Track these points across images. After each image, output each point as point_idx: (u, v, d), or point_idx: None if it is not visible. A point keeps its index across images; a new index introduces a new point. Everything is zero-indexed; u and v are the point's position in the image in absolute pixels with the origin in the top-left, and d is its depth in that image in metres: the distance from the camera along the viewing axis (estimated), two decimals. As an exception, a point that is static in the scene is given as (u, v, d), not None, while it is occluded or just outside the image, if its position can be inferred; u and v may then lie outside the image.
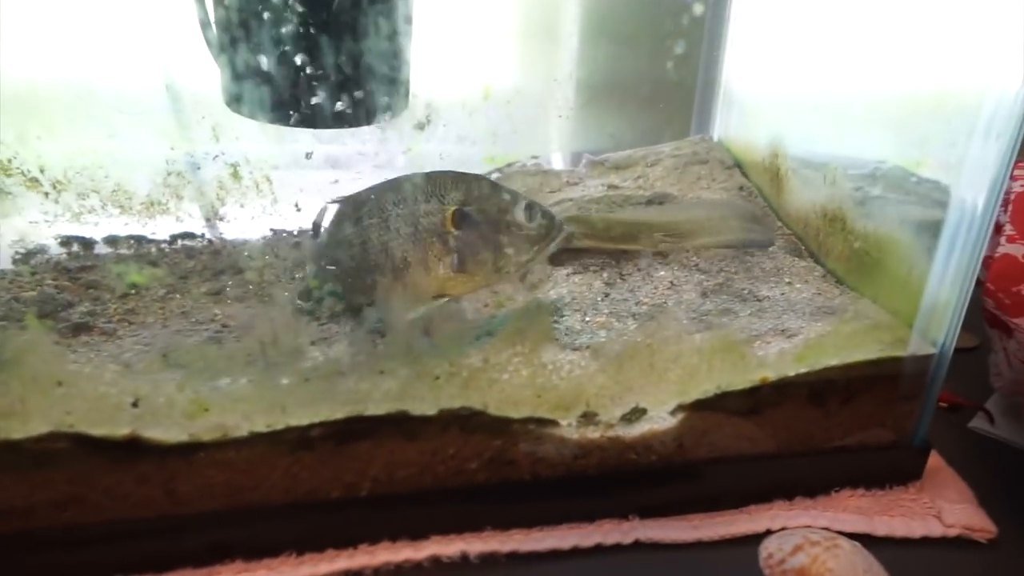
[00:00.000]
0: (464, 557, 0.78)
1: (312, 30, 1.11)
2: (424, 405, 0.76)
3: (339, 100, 1.15)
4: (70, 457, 0.70)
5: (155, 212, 1.34)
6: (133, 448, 0.71)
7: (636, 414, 0.81)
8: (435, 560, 0.78)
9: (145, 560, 0.74)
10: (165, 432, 0.72)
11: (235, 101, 1.21)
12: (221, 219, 1.31)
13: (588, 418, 0.80)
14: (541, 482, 0.83)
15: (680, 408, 0.81)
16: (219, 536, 0.76)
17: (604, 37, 1.38)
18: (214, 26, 1.09)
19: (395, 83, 1.20)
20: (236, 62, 1.16)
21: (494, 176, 1.40)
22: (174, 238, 1.35)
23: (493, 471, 0.81)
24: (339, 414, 0.75)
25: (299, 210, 1.19)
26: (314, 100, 1.14)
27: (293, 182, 1.41)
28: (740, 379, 0.80)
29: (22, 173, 1.26)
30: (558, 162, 1.44)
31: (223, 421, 0.73)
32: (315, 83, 1.14)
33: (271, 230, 1.23)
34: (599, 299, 1.02)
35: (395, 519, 0.80)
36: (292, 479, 0.77)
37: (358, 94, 1.16)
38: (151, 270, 1.08)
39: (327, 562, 0.76)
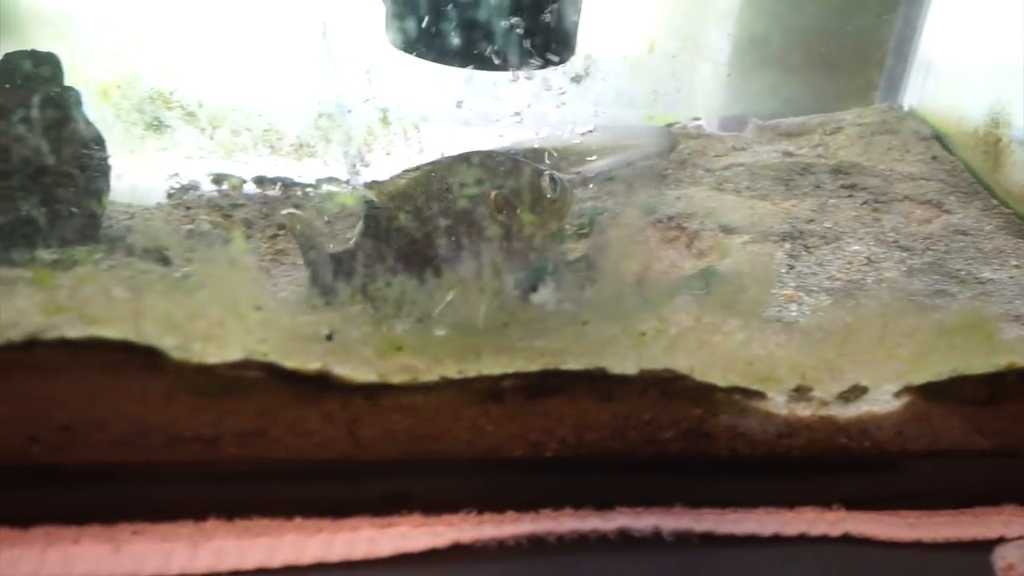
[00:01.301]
0: (656, 533, 0.71)
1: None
2: (625, 363, 0.70)
3: (510, 41, 1.10)
4: (260, 387, 0.67)
5: (303, 155, 1.32)
6: (322, 384, 0.68)
7: (855, 393, 0.72)
8: (624, 533, 0.72)
9: (323, 503, 0.71)
10: (354, 370, 0.68)
11: (402, 40, 1.17)
12: (366, 165, 1.28)
13: (801, 393, 0.72)
14: (739, 460, 0.75)
15: (906, 390, 0.72)
16: (398, 486, 0.72)
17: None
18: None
19: (566, 28, 1.14)
20: (406, 3, 1.12)
21: (652, 138, 1.32)
22: (319, 182, 1.33)
23: (688, 443, 0.74)
24: (534, 366, 0.70)
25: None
26: (483, 40, 1.09)
27: (441, 133, 1.37)
28: (982, 362, 0.71)
29: (181, 107, 1.26)
30: (715, 126, 1.36)
31: (414, 363, 0.69)
32: (486, 22, 1.09)
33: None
34: (782, 271, 0.93)
35: (579, 485, 0.74)
36: (476, 432, 0.72)
37: (530, 36, 1.11)
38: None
39: (510, 524, 0.71)
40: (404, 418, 0.70)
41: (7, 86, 0.86)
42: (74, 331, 0.62)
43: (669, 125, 1.28)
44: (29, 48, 1.07)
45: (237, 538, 0.68)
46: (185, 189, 1.23)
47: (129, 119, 1.30)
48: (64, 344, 0.62)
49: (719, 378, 0.70)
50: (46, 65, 0.91)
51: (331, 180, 1.33)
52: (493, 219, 0.82)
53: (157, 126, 1.30)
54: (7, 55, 0.89)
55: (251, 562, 0.66)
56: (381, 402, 0.69)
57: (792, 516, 0.74)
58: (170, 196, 1.21)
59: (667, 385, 0.71)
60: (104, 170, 0.99)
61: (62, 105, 0.91)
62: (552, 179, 0.84)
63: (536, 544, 0.71)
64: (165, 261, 0.81)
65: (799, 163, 1.09)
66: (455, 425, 0.71)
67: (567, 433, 0.73)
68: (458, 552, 0.69)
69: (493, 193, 0.82)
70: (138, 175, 1.26)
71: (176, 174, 1.28)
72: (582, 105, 1.32)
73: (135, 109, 1.30)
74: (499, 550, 0.70)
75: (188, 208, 1.16)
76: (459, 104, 1.44)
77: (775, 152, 1.15)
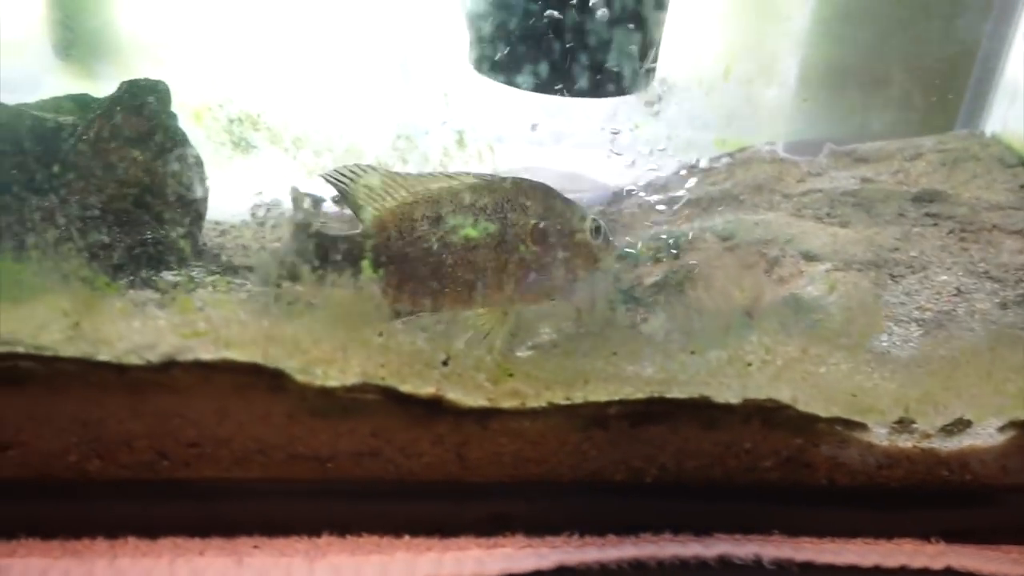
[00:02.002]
0: (757, 561, 0.72)
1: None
2: (729, 393, 0.71)
3: (593, 68, 1.12)
4: (376, 410, 0.70)
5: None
6: (435, 408, 0.70)
7: (959, 426, 0.72)
8: (725, 560, 0.73)
9: (430, 522, 0.73)
10: (466, 395, 0.70)
11: (485, 64, 1.20)
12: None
13: (903, 425, 0.73)
14: (837, 489, 0.76)
15: (1012, 425, 0.73)
16: (502, 507, 0.74)
17: (861, 17, 1.28)
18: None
19: (647, 56, 1.16)
20: (492, 27, 1.16)
21: (724, 161, 1.33)
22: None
23: (787, 472, 0.75)
24: (640, 394, 0.71)
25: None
26: (567, 66, 1.12)
27: (516, 154, 1.39)
28: (1092, 399, 0.71)
29: (268, 129, 1.31)
30: (788, 150, 1.36)
31: (523, 388, 0.71)
32: (569, 51, 1.11)
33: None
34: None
35: (678, 511, 0.76)
36: (580, 456, 0.74)
37: (610, 64, 1.13)
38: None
39: (613, 547, 0.72)
40: (511, 442, 0.72)
41: (129, 113, 0.91)
42: (208, 353, 0.66)
43: (741, 149, 1.29)
44: (131, 75, 1.12)
45: (351, 554, 0.70)
46: (268, 207, 1.27)
47: (218, 140, 1.35)
48: (198, 365, 0.66)
49: (822, 408, 0.71)
50: (158, 92, 0.95)
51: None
52: (527, 248, 0.81)
53: (244, 146, 1.35)
54: (126, 83, 0.93)
55: (365, 578, 0.69)
56: (490, 426, 0.71)
57: (891, 548, 0.74)
58: (254, 215, 1.26)
59: (770, 414, 0.72)
60: (204, 191, 1.03)
61: (172, 130, 0.95)
62: (597, 227, 0.83)
63: (637, 568, 0.72)
64: (237, 274, 0.85)
65: (880, 190, 1.09)
66: (559, 449, 0.73)
67: (668, 460, 0.74)
68: (562, 574, 0.71)
69: (532, 223, 0.81)
70: (224, 193, 1.30)
71: (260, 192, 1.32)
72: (656, 128, 1.34)
73: (224, 130, 1.35)
74: (602, 573, 0.71)
75: (274, 226, 1.20)
76: (533, 127, 1.47)
77: (853, 178, 1.15)
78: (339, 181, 0.76)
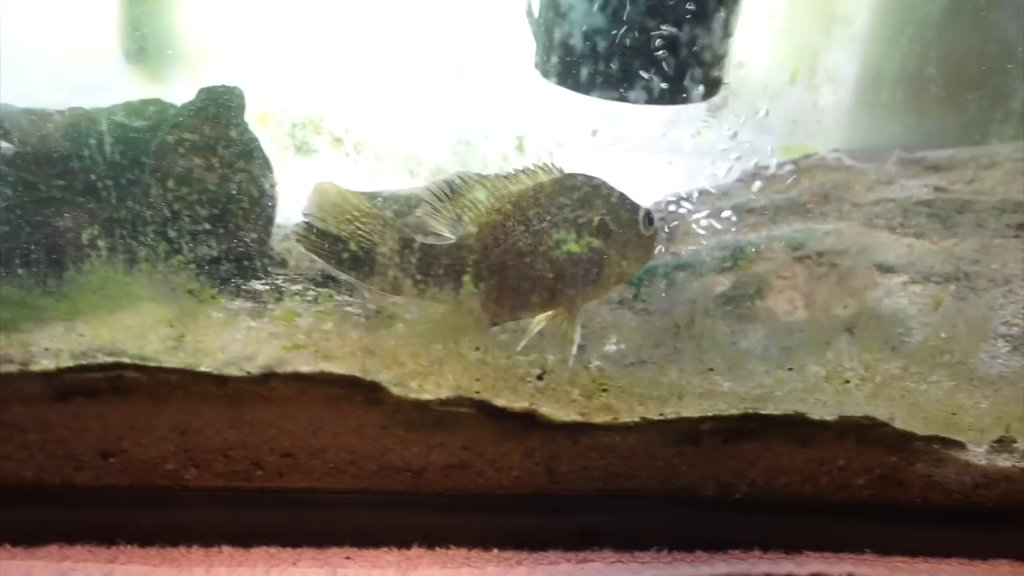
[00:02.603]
0: (851, 580, 0.72)
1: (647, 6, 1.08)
2: (824, 410, 0.70)
3: (661, 75, 1.11)
4: (469, 423, 0.70)
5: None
6: (528, 421, 0.70)
7: (1061, 447, 0.71)
8: (818, 579, 0.72)
9: (519, 535, 0.73)
10: (559, 409, 0.70)
11: (552, 71, 1.20)
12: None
13: (1003, 444, 0.72)
14: (931, 508, 0.75)
15: (1117, 446, 0.71)
16: (590, 522, 0.74)
17: (927, 20, 1.26)
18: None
19: (717, 64, 1.15)
20: (563, 35, 1.15)
21: (788, 168, 1.32)
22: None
23: (880, 490, 0.74)
24: (734, 410, 0.71)
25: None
26: (633, 74, 1.11)
27: (575, 158, 1.38)
28: None
29: (330, 133, 1.32)
30: (855, 157, 1.34)
31: (616, 403, 0.70)
32: (637, 58, 1.10)
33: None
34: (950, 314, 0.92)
35: (767, 527, 0.75)
36: (670, 472, 0.73)
37: (679, 72, 1.12)
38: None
39: (704, 564, 0.72)
40: (601, 456, 0.72)
41: (207, 120, 0.91)
42: (307, 365, 0.66)
43: (806, 156, 1.28)
44: (198, 79, 1.13)
45: (442, 567, 0.70)
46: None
47: (281, 144, 1.36)
48: (296, 377, 0.66)
49: (919, 427, 0.70)
50: (234, 98, 0.96)
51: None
52: (594, 243, 0.80)
53: (306, 150, 1.36)
54: (204, 90, 0.94)
55: (456, 592, 0.69)
56: (581, 440, 0.71)
57: (987, 569, 0.73)
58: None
59: (865, 432, 0.71)
60: (274, 197, 1.03)
61: (248, 136, 0.95)
62: (649, 218, 0.81)
63: (728, 585, 0.71)
64: (353, 289, 0.85)
65: (955, 199, 1.07)
66: (649, 464, 0.72)
67: (759, 476, 0.73)
68: (654, 590, 0.70)
69: (597, 219, 0.81)
70: (286, 197, 1.31)
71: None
72: (719, 133, 1.33)
73: (287, 134, 1.36)
74: (693, 590, 0.71)
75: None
76: (594, 132, 1.46)
77: (925, 187, 1.13)
78: (442, 192, 0.75)
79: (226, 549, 0.70)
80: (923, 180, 1.17)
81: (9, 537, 0.67)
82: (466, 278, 0.65)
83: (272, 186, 1.08)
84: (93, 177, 0.82)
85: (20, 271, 0.61)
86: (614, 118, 1.42)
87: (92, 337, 0.63)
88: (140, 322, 0.64)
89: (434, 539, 0.72)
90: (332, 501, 0.72)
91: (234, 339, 0.65)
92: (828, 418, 0.70)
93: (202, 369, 0.65)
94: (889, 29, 1.38)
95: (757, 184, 1.22)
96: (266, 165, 1.03)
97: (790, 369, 0.68)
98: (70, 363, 0.63)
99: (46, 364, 0.63)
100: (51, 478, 0.67)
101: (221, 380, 0.65)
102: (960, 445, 0.71)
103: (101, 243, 0.62)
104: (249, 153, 0.95)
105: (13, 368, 0.62)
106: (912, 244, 1.01)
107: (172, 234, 0.69)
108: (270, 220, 1.04)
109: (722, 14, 1.11)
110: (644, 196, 1.38)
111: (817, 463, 0.73)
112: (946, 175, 1.17)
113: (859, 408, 0.69)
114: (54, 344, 0.63)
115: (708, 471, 0.73)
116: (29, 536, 0.67)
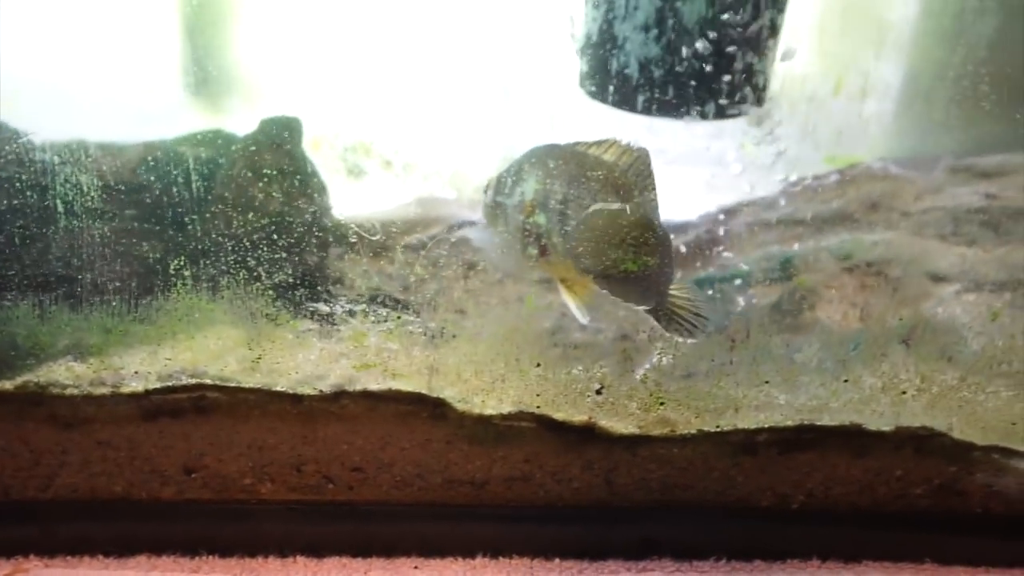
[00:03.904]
0: (912, 589, 0.72)
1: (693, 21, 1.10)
2: (881, 420, 0.71)
3: (706, 91, 1.13)
4: (530, 436, 0.72)
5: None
6: (587, 434, 0.72)
7: (1125, 456, 0.71)
8: (878, 588, 0.73)
9: (579, 546, 0.75)
10: (618, 422, 0.72)
11: (596, 89, 1.22)
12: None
13: (1065, 454, 0.72)
14: (991, 518, 0.75)
15: None
16: (649, 532, 0.75)
17: (972, 26, 1.25)
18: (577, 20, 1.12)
19: (762, 77, 1.16)
20: (606, 53, 1.18)
21: (834, 178, 1.32)
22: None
23: (938, 499, 0.74)
24: (790, 421, 0.72)
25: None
26: (678, 92, 1.13)
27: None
28: None
29: (380, 156, 1.36)
30: (902, 166, 1.34)
31: (673, 416, 0.72)
32: (682, 76, 1.12)
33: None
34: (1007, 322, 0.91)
35: (824, 537, 0.76)
36: (727, 483, 0.75)
37: (724, 87, 1.14)
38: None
39: (764, 573, 0.73)
40: (659, 468, 0.73)
41: (268, 149, 0.96)
42: (375, 383, 0.69)
43: (852, 166, 1.28)
44: (254, 109, 1.19)
45: (508, 575, 0.73)
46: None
47: (333, 167, 1.42)
48: (366, 395, 0.69)
49: (978, 437, 0.70)
50: (292, 128, 1.01)
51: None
52: None
53: (357, 172, 1.41)
54: (265, 121, 0.99)
55: (522, 600, 0.71)
56: (639, 452, 0.73)
57: (1051, 579, 0.73)
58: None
59: (923, 442, 0.71)
60: (332, 220, 1.07)
61: (306, 163, 1.00)
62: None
63: (788, 595, 0.72)
64: (405, 307, 0.88)
65: (1008, 207, 1.07)
66: (707, 475, 0.74)
67: (815, 486, 0.74)
68: (714, 600, 0.72)
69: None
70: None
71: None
72: (763, 145, 1.34)
73: (339, 158, 1.41)
74: (752, 599, 0.72)
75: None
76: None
77: (975, 194, 1.13)
78: None
79: (300, 559, 0.73)
80: (973, 187, 1.17)
81: (102, 548, 0.72)
82: (528, 297, 0.67)
83: (328, 210, 1.12)
84: (172, 207, 0.87)
85: (113, 300, 0.65)
86: (656, 132, 1.44)
87: (176, 360, 0.68)
88: (220, 345, 0.68)
89: (498, 549, 0.75)
90: (400, 513, 0.75)
91: (307, 359, 0.69)
92: (885, 428, 0.71)
93: (277, 388, 0.69)
94: (936, 36, 1.38)
95: (803, 195, 1.22)
96: (323, 190, 1.08)
97: (845, 380, 0.69)
98: (157, 385, 0.68)
99: (135, 386, 0.68)
100: (139, 493, 0.72)
101: (295, 398, 0.69)
102: (1021, 455, 0.72)
103: (187, 272, 0.66)
104: (308, 179, 0.99)
105: (106, 390, 0.67)
106: (964, 253, 1.01)
107: (251, 262, 0.73)
108: (327, 243, 1.09)
109: (767, 27, 1.12)
110: (689, 209, 1.40)
111: (874, 473, 0.73)
112: (997, 182, 1.16)
113: (916, 419, 0.70)
114: (143, 367, 0.67)
115: (765, 482, 0.74)
116: (120, 547, 0.72)
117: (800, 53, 1.33)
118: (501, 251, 0.74)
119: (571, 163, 0.70)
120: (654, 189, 0.73)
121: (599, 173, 0.69)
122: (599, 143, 0.71)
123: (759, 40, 1.09)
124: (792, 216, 1.23)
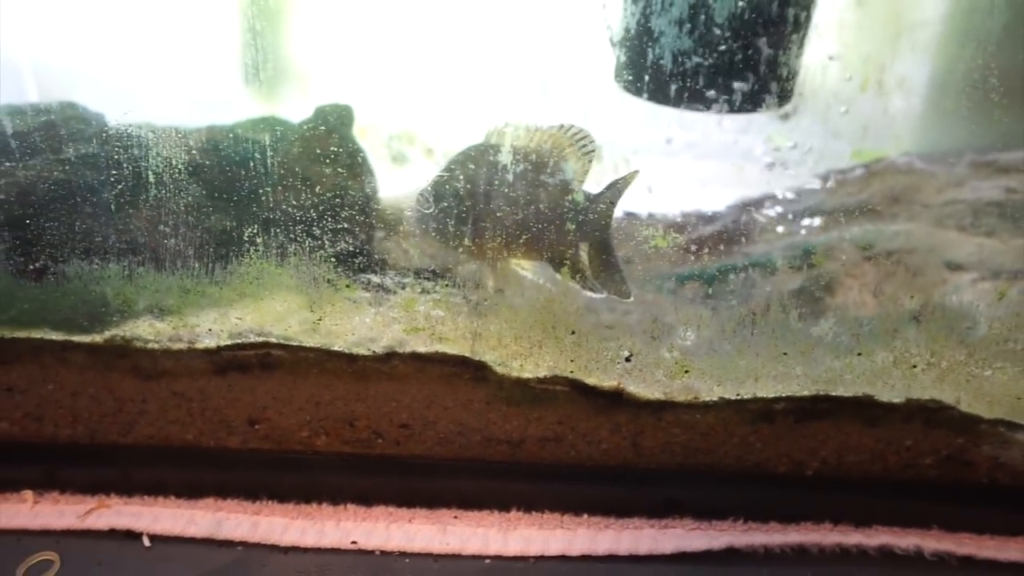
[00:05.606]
0: (918, 552, 0.77)
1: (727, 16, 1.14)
2: (892, 392, 0.76)
3: (736, 84, 1.18)
4: (563, 400, 0.78)
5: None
6: (616, 399, 0.78)
7: (1126, 431, 0.75)
8: (886, 550, 0.77)
9: (606, 503, 0.81)
10: (645, 388, 0.78)
11: (631, 83, 1.28)
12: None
13: (1069, 428, 0.76)
14: (997, 488, 0.79)
15: None
16: (671, 493, 0.81)
17: (998, 24, 1.28)
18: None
19: (790, 72, 1.21)
20: (641, 47, 1.23)
21: (858, 172, 1.36)
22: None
23: (946, 469, 0.79)
24: (806, 391, 0.77)
25: (651, 192, 1.24)
26: (711, 85, 1.18)
27: (649, 165, 1.46)
28: None
29: (423, 144, 1.43)
30: (925, 160, 1.37)
31: (697, 384, 0.78)
32: (716, 69, 1.17)
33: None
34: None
35: (837, 503, 0.81)
36: (745, 448, 0.80)
37: (754, 82, 1.18)
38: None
39: (778, 533, 0.78)
40: (682, 432, 0.79)
41: (322, 135, 1.03)
42: (423, 346, 0.75)
43: (877, 160, 1.32)
44: (306, 98, 1.26)
45: (539, 528, 0.79)
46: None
47: (379, 154, 1.49)
48: (414, 356, 0.76)
49: (985, 410, 0.75)
50: (344, 115, 1.07)
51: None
52: None
53: (401, 160, 1.48)
54: (319, 108, 1.06)
55: (553, 549, 0.77)
56: (664, 417, 0.78)
57: (1053, 547, 0.77)
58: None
59: (932, 414, 0.76)
60: (378, 201, 1.14)
61: (357, 149, 1.07)
62: None
63: (800, 554, 0.77)
64: (441, 278, 0.94)
65: (1026, 200, 1.10)
66: (727, 441, 0.79)
67: (829, 454, 0.79)
68: (730, 554, 0.77)
69: None
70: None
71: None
72: (790, 139, 1.37)
73: (384, 146, 1.48)
74: (766, 556, 0.77)
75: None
76: (668, 141, 1.53)
77: (997, 188, 1.16)
78: None
79: (351, 507, 0.80)
80: (994, 182, 1.20)
81: (174, 490, 0.79)
82: (564, 270, 0.74)
83: (376, 193, 1.19)
84: (241, 182, 0.94)
85: (193, 264, 0.73)
86: (687, 126, 1.49)
87: (245, 320, 0.74)
88: (285, 307, 0.75)
89: (531, 504, 0.81)
90: (442, 467, 0.81)
91: (363, 323, 0.75)
92: (896, 400, 0.76)
93: (335, 348, 0.75)
94: (961, 33, 1.40)
95: (828, 187, 1.26)
96: (372, 174, 1.15)
97: (859, 354, 0.74)
98: (227, 342, 0.75)
99: (208, 343, 0.75)
100: (208, 441, 0.79)
101: (350, 358, 0.76)
102: (1025, 428, 0.76)
103: (259, 240, 0.73)
104: (359, 163, 1.06)
105: (183, 346, 0.74)
106: (982, 243, 1.05)
107: (316, 231, 0.79)
108: (373, 224, 1.16)
109: (796, 24, 1.16)
110: (718, 200, 1.44)
111: (885, 443, 0.78)
112: (1018, 176, 1.19)
113: (925, 391, 0.74)
114: (215, 326, 0.74)
115: (781, 448, 0.79)
116: (190, 490, 0.79)
117: (828, 48, 1.37)
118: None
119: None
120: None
121: None
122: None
123: (785, 37, 1.13)
124: (817, 207, 1.27)
